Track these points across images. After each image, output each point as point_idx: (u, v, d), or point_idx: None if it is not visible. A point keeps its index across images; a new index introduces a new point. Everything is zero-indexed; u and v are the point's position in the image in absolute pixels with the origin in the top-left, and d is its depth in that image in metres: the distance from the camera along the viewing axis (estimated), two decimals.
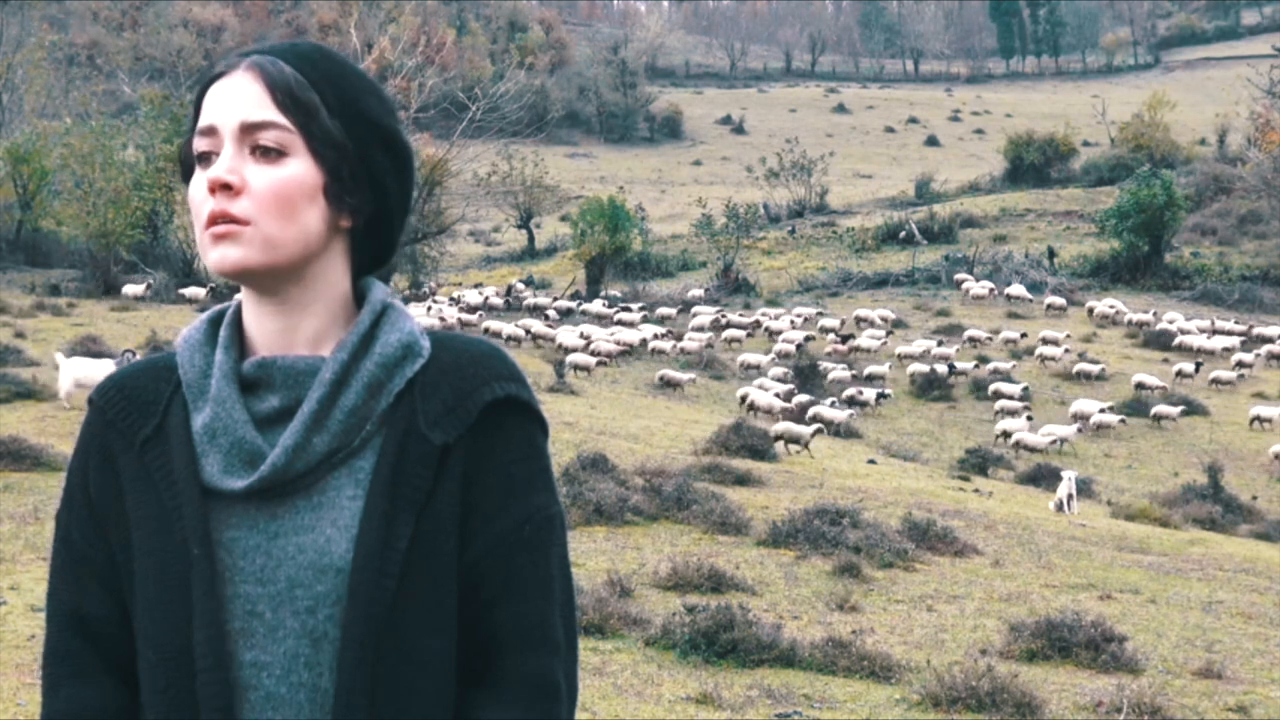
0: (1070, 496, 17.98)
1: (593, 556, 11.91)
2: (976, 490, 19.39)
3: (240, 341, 1.62)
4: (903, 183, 69.17)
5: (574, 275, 44.93)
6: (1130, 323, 39.57)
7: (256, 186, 1.54)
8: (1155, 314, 40.54)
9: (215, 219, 1.54)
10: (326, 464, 1.55)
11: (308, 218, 1.57)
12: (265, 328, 1.61)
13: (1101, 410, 27.82)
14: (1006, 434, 26.36)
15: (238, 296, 1.65)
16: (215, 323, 1.64)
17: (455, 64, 61.24)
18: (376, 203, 1.62)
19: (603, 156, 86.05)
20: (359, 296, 1.66)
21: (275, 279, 1.58)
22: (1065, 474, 19.04)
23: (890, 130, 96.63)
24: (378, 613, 1.52)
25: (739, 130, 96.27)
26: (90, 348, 22.26)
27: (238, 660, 1.53)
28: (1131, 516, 18.33)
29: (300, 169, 1.56)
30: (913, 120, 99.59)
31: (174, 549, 1.54)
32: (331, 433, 1.55)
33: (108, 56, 70.38)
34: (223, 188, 1.54)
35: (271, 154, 1.55)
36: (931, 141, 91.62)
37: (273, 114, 1.55)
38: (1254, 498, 22.70)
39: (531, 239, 54.70)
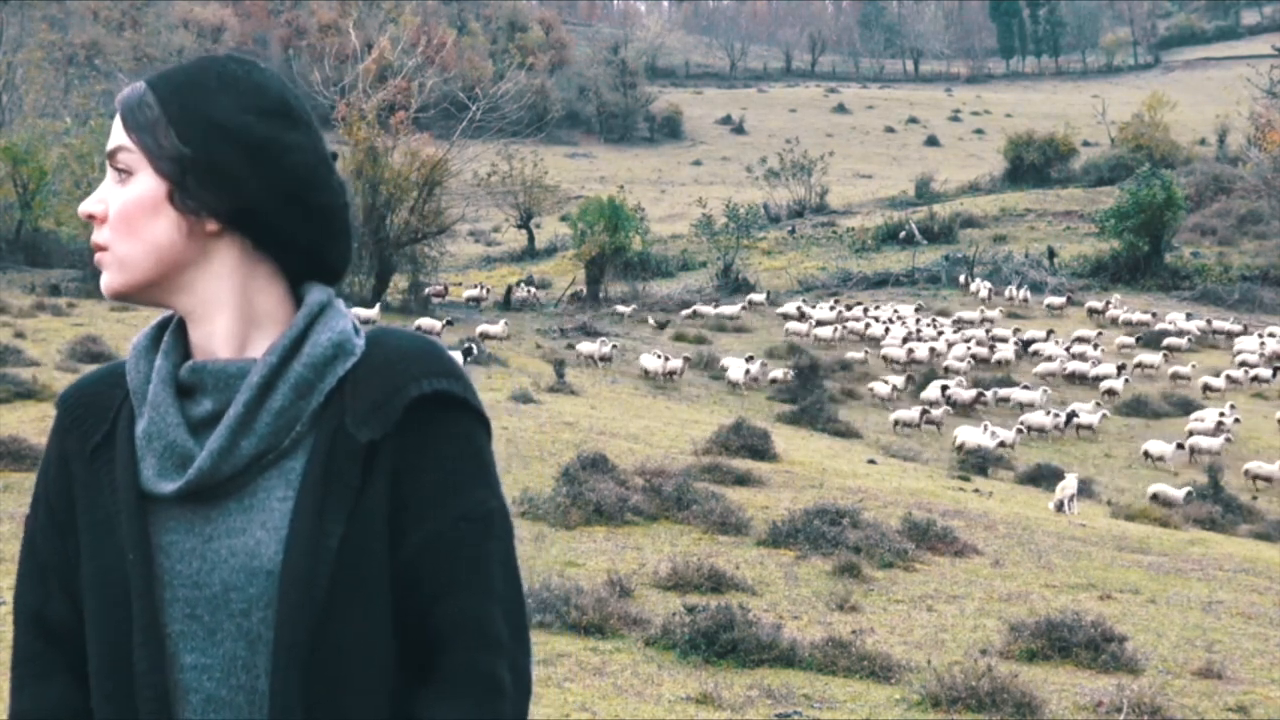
0: (1071, 497, 18.00)
1: (593, 556, 11.91)
2: (976, 490, 19.38)
3: (184, 347, 1.65)
4: (903, 183, 69.13)
5: (574, 275, 44.92)
6: (1129, 323, 39.60)
7: (109, 212, 1.62)
8: (1155, 314, 40.61)
9: (93, 250, 1.64)
10: (256, 466, 1.57)
11: (152, 230, 1.61)
12: (196, 336, 1.65)
13: (1221, 414, 27.59)
14: (1148, 455, 25.34)
15: None
16: (162, 328, 1.67)
17: (455, 64, 61.19)
18: (233, 200, 1.62)
19: (603, 156, 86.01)
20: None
21: (154, 294, 1.63)
22: (1068, 475, 19.06)
23: (890, 130, 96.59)
24: (308, 614, 1.52)
25: (739, 130, 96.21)
26: (90, 348, 22.26)
27: (179, 663, 1.55)
28: (1131, 516, 18.33)
29: (140, 185, 1.61)
30: (913, 120, 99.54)
31: (114, 554, 1.57)
32: (259, 435, 1.56)
33: (107, 57, 70.29)
34: (89, 218, 1.63)
35: (124, 176, 1.62)
36: (931, 141, 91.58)
37: (121, 138, 1.63)
38: (1254, 498, 22.70)
39: (531, 239, 54.65)
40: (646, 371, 30.25)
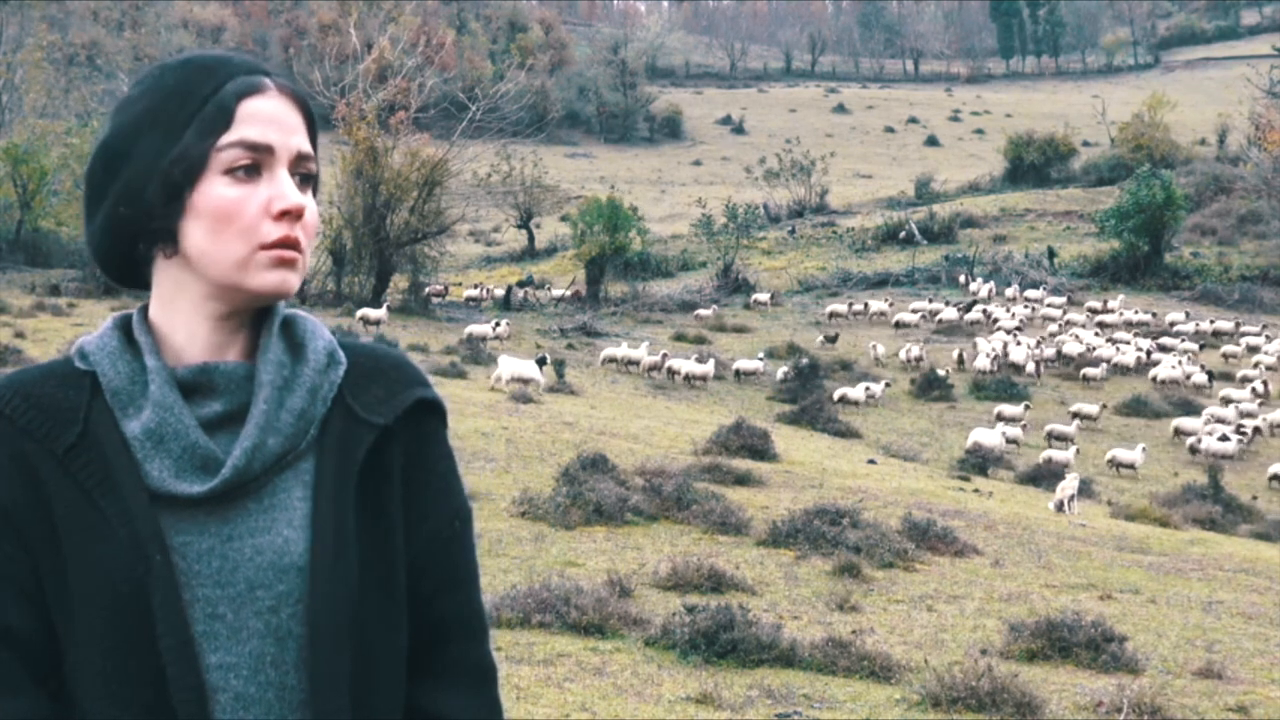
0: (1071, 497, 18.00)
1: (593, 556, 11.91)
2: (976, 490, 19.39)
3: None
4: (903, 183, 69.12)
5: (574, 275, 44.92)
6: (1129, 323, 39.67)
7: (306, 216, 1.60)
8: (1154, 315, 40.64)
9: (287, 244, 1.58)
10: (276, 466, 1.58)
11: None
12: (207, 340, 1.62)
13: None
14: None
15: (138, 303, 1.66)
16: (124, 328, 1.64)
17: (455, 64, 61.20)
18: None
19: (603, 156, 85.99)
20: None
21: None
22: (1068, 475, 19.05)
23: (890, 130, 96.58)
24: (343, 606, 1.55)
25: (739, 130, 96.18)
26: None
27: (204, 663, 1.53)
28: (1131, 516, 18.33)
29: (314, 201, 1.64)
30: (913, 120, 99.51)
31: (122, 557, 1.52)
32: (284, 434, 1.58)
33: (108, 56, 70.29)
34: (297, 216, 1.59)
35: (308, 184, 1.62)
36: (931, 141, 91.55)
37: (309, 146, 1.62)
38: (1254, 498, 22.71)
39: (531, 239, 54.63)
40: (683, 375, 30.19)
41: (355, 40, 41.46)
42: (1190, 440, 26.27)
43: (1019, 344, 34.56)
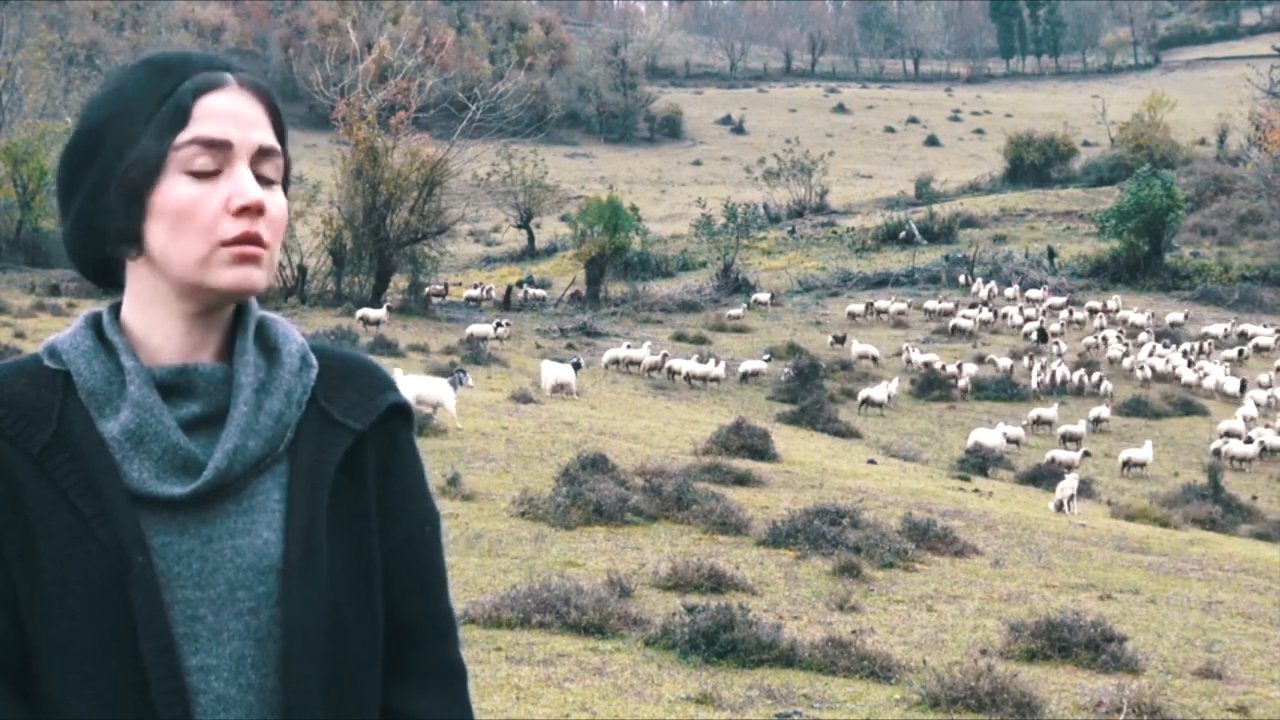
0: (1070, 497, 18.00)
1: (593, 556, 11.91)
2: (976, 490, 19.39)
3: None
4: (903, 183, 69.13)
5: (574, 275, 44.92)
6: (1130, 324, 39.67)
7: (271, 211, 1.58)
8: (1153, 315, 40.61)
9: (247, 240, 1.55)
10: (254, 469, 1.57)
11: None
12: (182, 340, 1.60)
13: None
14: None
15: (102, 301, 1.64)
16: (96, 327, 1.61)
17: (455, 64, 61.17)
18: None
19: (603, 156, 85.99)
20: None
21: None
22: (1068, 475, 19.04)
23: (890, 130, 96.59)
24: (317, 609, 1.55)
25: (739, 130, 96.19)
26: None
27: (185, 665, 1.52)
28: (1131, 516, 18.33)
29: (282, 198, 1.62)
30: (913, 120, 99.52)
31: (100, 558, 1.50)
32: (263, 437, 1.57)
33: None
34: (258, 211, 1.56)
35: (271, 180, 1.59)
36: (931, 141, 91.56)
37: (275, 141, 1.60)
38: (1254, 498, 22.71)
39: (531, 239, 54.63)
40: (684, 375, 30.18)
41: (355, 40, 41.46)
42: (1216, 444, 26.19)
43: (1057, 357, 34.54)
